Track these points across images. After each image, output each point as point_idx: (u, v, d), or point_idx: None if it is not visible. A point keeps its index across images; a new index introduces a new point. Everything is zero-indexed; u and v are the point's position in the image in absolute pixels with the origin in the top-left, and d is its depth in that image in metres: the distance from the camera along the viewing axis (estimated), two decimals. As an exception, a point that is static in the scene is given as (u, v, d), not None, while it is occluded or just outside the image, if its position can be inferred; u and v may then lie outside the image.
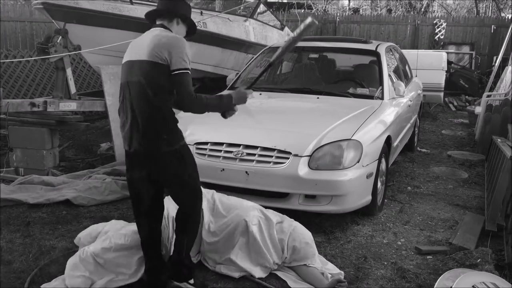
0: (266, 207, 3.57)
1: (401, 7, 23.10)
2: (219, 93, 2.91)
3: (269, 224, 3.37)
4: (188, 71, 2.70)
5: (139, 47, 2.79)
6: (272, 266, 3.31)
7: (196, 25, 3.10)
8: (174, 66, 2.67)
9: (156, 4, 6.86)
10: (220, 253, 3.35)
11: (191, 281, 3.10)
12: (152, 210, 3.01)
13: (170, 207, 3.29)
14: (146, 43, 2.75)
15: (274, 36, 9.63)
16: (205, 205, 3.40)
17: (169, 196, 3.11)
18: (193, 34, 3.04)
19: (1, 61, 8.10)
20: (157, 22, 2.91)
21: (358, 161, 3.92)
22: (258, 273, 3.27)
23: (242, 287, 3.16)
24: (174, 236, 3.18)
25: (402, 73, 6.29)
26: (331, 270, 3.34)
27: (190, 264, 3.15)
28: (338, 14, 16.76)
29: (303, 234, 3.40)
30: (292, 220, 3.50)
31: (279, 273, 3.32)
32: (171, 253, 3.16)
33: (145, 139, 2.75)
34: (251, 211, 3.39)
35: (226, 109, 2.97)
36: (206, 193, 3.50)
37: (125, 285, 3.08)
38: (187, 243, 3.06)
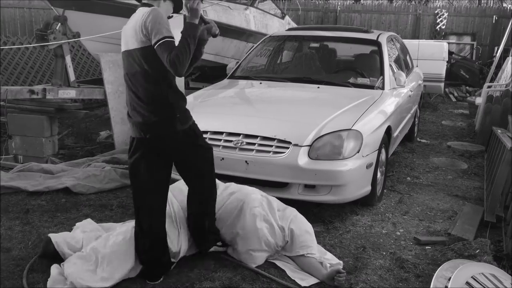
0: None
1: (403, -3, 22.91)
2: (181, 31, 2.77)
3: (271, 208, 3.38)
4: (167, 38, 2.61)
5: (127, 34, 2.80)
6: (274, 249, 3.32)
7: (182, 4, 3.01)
8: (154, 39, 2.62)
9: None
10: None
11: (219, 243, 3.36)
12: (159, 199, 3.02)
13: (174, 202, 3.31)
14: (130, 30, 2.75)
15: (275, 24, 9.57)
16: None
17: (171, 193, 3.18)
18: (180, 9, 2.99)
19: (0, 47, 8.05)
20: (142, 1, 2.88)
21: (358, 151, 3.91)
22: (258, 259, 3.29)
23: (240, 275, 3.16)
24: (183, 230, 3.25)
25: (403, 63, 6.27)
26: (330, 260, 3.34)
27: (215, 230, 3.30)
28: (339, 4, 16.63)
29: (304, 223, 3.42)
30: (294, 209, 3.51)
31: (277, 262, 3.32)
32: (180, 250, 3.21)
33: (160, 123, 2.80)
34: (252, 194, 3.40)
35: (194, 31, 2.72)
36: None
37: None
38: (209, 221, 3.24)
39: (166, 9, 2.89)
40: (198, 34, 2.75)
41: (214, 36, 2.93)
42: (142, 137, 2.86)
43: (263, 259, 3.31)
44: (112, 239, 3.10)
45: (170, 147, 2.91)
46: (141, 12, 2.73)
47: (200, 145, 3.04)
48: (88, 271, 2.94)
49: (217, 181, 3.56)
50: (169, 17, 2.87)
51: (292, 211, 3.48)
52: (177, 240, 3.21)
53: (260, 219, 3.29)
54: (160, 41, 2.61)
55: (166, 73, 2.75)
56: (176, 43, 2.66)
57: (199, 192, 3.17)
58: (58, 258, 3.16)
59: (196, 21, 2.77)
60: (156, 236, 3.03)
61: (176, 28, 2.82)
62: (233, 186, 3.57)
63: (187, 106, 2.98)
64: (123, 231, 3.17)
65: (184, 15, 3.02)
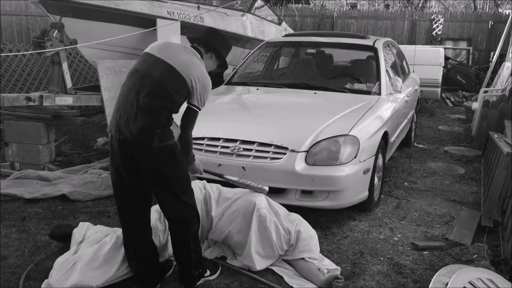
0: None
1: (399, 2, 23.04)
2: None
3: (276, 211, 3.39)
4: (198, 112, 2.86)
5: (174, 52, 2.83)
6: (278, 253, 3.32)
7: (227, 67, 3.22)
8: (194, 101, 2.82)
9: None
10: (221, 233, 3.39)
11: (207, 273, 3.14)
12: (139, 204, 2.94)
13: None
14: (182, 54, 2.83)
15: (272, 31, 9.60)
16: (198, 196, 3.40)
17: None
18: (221, 71, 3.10)
19: (-3, 55, 8.04)
20: (194, 44, 2.99)
21: (355, 157, 3.92)
22: (259, 264, 3.28)
23: (238, 282, 3.16)
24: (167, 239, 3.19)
25: (400, 69, 6.29)
26: (328, 265, 3.34)
27: (200, 261, 3.11)
28: (336, 9, 16.70)
29: (308, 229, 3.44)
30: (298, 215, 3.53)
31: (275, 269, 3.32)
32: (168, 244, 3.17)
33: (139, 131, 2.70)
34: (259, 196, 3.40)
35: (189, 161, 3.05)
36: (201, 184, 3.52)
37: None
38: (186, 256, 3.01)
39: (208, 64, 3.01)
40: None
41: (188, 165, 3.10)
42: (116, 136, 2.79)
43: (265, 264, 3.31)
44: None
45: (142, 159, 2.78)
46: (199, 61, 2.89)
47: (173, 175, 2.84)
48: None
49: (220, 186, 3.58)
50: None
51: (297, 217, 3.49)
52: (164, 234, 3.21)
53: (268, 221, 3.29)
54: (197, 108, 2.84)
55: (174, 105, 2.81)
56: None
57: (168, 217, 3.01)
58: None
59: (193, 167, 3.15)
60: (138, 242, 2.98)
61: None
62: (237, 190, 3.56)
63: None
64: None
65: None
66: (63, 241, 3.49)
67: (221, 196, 3.50)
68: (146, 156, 2.75)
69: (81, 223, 3.50)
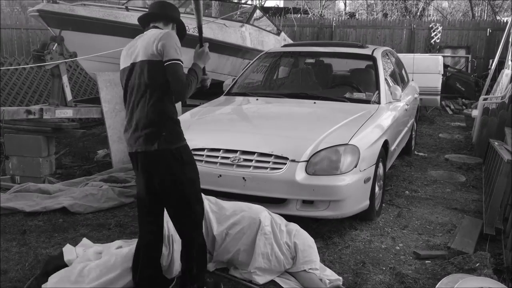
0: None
1: (397, 11, 23.16)
2: (189, 68, 2.86)
3: (279, 227, 3.38)
4: (180, 62, 2.68)
5: (134, 50, 2.80)
6: (285, 268, 3.31)
7: (187, 29, 3.09)
8: (166, 57, 2.66)
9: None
10: (230, 253, 3.36)
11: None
12: (152, 215, 2.94)
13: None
14: (141, 44, 2.77)
15: (271, 41, 9.64)
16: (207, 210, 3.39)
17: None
18: (183, 38, 3.01)
19: (-3, 68, 8.08)
20: (151, 25, 2.91)
21: (355, 166, 3.91)
22: (262, 279, 3.27)
23: (240, 294, 3.14)
24: (177, 249, 3.16)
25: (399, 77, 6.30)
26: (330, 276, 3.32)
27: (200, 276, 3.02)
28: (334, 19, 16.78)
29: (306, 238, 3.43)
30: (296, 224, 3.51)
31: (277, 279, 3.30)
32: (172, 268, 3.16)
33: (143, 138, 2.71)
34: (262, 213, 3.39)
35: (200, 72, 2.89)
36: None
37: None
38: (196, 273, 2.93)
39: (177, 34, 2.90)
40: (200, 76, 2.88)
41: (204, 88, 3.04)
42: (131, 152, 2.83)
43: (267, 279, 3.29)
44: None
45: (150, 166, 2.78)
46: (155, 31, 2.78)
47: (182, 180, 2.77)
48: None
49: (220, 201, 3.56)
50: None
51: (294, 226, 3.49)
52: (167, 258, 3.19)
53: (271, 238, 3.28)
54: (173, 61, 2.65)
55: (167, 91, 2.73)
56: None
57: (176, 227, 2.97)
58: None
59: (202, 66, 2.91)
60: (145, 252, 2.95)
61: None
62: (240, 204, 3.54)
63: (184, 124, 2.97)
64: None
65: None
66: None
67: (221, 212, 3.46)
68: (154, 162, 2.74)
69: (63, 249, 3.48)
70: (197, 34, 3.02)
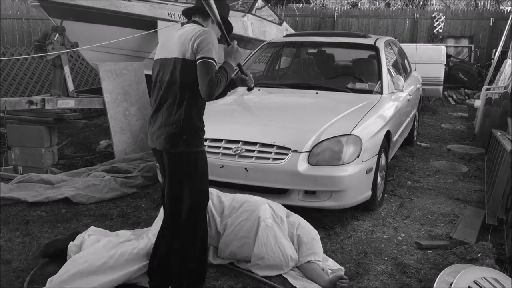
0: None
1: (400, 1, 23.01)
2: (220, 66, 2.79)
3: (281, 219, 3.38)
4: (212, 61, 2.64)
5: (171, 43, 2.78)
6: (285, 262, 3.26)
7: (233, 27, 3.04)
8: (199, 55, 2.63)
9: (153, 0, 6.82)
10: (232, 246, 3.34)
11: None
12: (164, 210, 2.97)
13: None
14: (177, 39, 2.74)
15: (273, 31, 9.60)
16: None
17: None
18: (229, 34, 2.93)
19: (-1, 59, 8.07)
20: (192, 19, 2.89)
21: (357, 156, 3.91)
22: (264, 272, 3.26)
23: (242, 284, 3.15)
24: None
25: (401, 67, 6.27)
26: (332, 266, 3.33)
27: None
28: (337, 9, 16.69)
29: (310, 230, 3.42)
30: (298, 216, 3.51)
31: (284, 275, 3.28)
32: None
33: (164, 137, 2.72)
34: (263, 205, 3.38)
35: (232, 70, 2.85)
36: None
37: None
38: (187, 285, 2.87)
39: (215, 31, 2.83)
40: (232, 75, 2.86)
41: (249, 89, 3.03)
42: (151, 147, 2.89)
43: (273, 273, 3.26)
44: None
45: (166, 164, 2.80)
46: (193, 27, 2.75)
47: (188, 182, 2.76)
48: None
49: (220, 192, 3.55)
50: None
51: (297, 218, 3.48)
52: None
53: (274, 229, 3.28)
54: (205, 59, 2.62)
55: (197, 92, 2.68)
56: None
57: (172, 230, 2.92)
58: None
59: (234, 65, 2.87)
60: (157, 247, 2.96)
61: None
62: (240, 196, 3.54)
63: None
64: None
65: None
66: (56, 257, 3.36)
67: (222, 205, 3.45)
68: (170, 161, 2.76)
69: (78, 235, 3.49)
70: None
